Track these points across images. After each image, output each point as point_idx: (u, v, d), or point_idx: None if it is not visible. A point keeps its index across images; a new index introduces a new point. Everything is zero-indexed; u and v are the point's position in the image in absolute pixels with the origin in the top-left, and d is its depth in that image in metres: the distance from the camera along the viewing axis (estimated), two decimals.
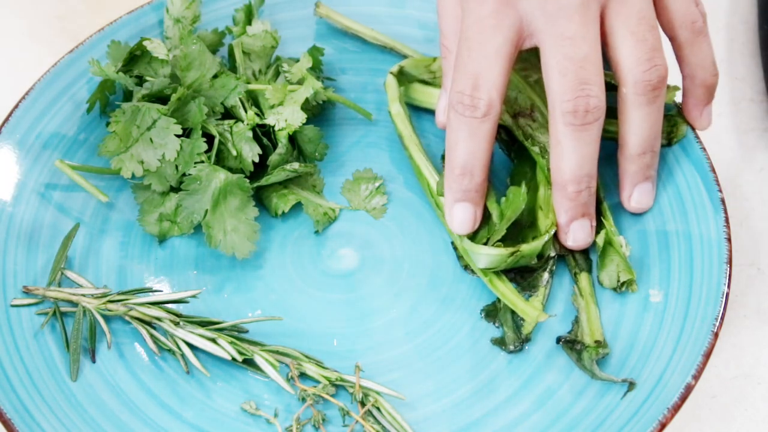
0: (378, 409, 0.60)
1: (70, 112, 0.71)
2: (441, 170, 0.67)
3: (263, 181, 0.68)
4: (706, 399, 0.64)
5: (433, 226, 0.69)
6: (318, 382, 0.61)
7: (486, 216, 0.65)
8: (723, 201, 0.64)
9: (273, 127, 0.68)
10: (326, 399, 0.60)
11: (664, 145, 0.67)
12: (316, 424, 0.60)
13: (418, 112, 0.74)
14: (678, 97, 0.68)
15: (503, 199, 0.64)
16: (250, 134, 0.67)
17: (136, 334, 0.64)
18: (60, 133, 0.71)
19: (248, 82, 0.69)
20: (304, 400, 0.60)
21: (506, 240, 0.64)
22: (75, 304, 0.63)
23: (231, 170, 0.66)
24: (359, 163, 0.72)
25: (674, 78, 0.73)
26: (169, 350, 0.62)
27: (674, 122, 0.67)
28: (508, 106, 0.65)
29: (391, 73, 0.70)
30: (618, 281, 0.64)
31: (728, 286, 0.60)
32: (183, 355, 0.61)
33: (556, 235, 0.64)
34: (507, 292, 0.63)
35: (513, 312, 0.64)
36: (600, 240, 0.64)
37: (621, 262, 0.64)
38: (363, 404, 0.60)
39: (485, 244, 0.63)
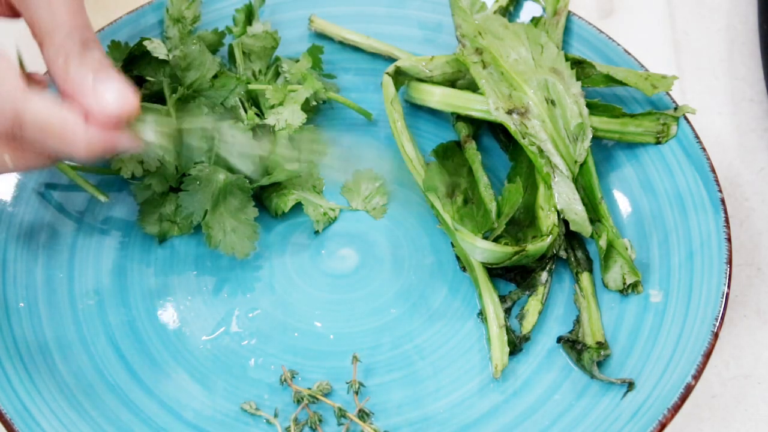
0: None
1: None
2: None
3: (263, 181, 0.68)
4: (706, 399, 0.64)
5: (433, 226, 0.69)
6: (312, 383, 0.61)
7: (481, 209, 0.65)
8: (723, 201, 0.64)
9: (273, 127, 0.68)
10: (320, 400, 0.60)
11: (652, 144, 0.67)
12: (313, 426, 0.60)
13: (415, 110, 0.74)
14: (676, 94, 0.68)
15: (500, 196, 0.64)
16: (250, 134, 0.67)
17: (136, 333, 0.64)
18: None
19: (248, 82, 0.69)
20: (299, 401, 0.60)
21: (504, 237, 0.64)
22: None
23: (231, 170, 0.66)
24: (359, 163, 0.72)
25: (671, 70, 0.74)
26: None
27: (664, 122, 0.67)
28: (502, 102, 0.65)
29: (387, 73, 0.70)
30: (624, 283, 0.64)
31: (728, 286, 0.60)
32: None
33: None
34: (491, 317, 0.63)
35: (510, 312, 0.64)
36: (602, 242, 0.64)
37: (625, 263, 0.64)
38: (357, 394, 0.60)
39: (484, 238, 0.63)
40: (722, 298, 0.60)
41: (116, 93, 0.54)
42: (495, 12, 0.73)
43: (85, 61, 0.54)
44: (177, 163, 0.65)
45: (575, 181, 0.66)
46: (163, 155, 0.65)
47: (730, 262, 0.61)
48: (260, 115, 0.69)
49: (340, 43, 0.76)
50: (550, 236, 0.63)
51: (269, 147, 0.64)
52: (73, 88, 0.54)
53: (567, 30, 0.73)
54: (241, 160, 0.57)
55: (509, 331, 0.63)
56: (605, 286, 0.65)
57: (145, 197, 0.68)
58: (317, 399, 0.60)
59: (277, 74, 0.73)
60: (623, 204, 0.68)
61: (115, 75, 0.55)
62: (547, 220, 0.64)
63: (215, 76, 0.68)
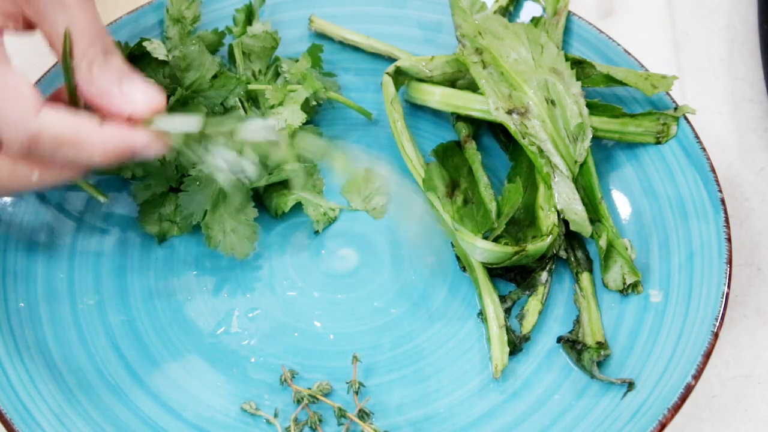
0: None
1: None
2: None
3: (263, 181, 0.68)
4: (706, 399, 0.64)
5: (433, 226, 0.69)
6: (312, 383, 0.61)
7: (481, 209, 0.65)
8: (723, 201, 0.64)
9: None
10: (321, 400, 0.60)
11: (652, 144, 0.67)
12: (313, 426, 0.60)
13: (415, 110, 0.74)
14: (676, 94, 0.68)
15: (500, 196, 0.64)
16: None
17: (136, 333, 0.64)
18: None
19: (248, 82, 0.69)
20: (299, 401, 0.60)
21: (504, 237, 0.64)
22: None
23: (231, 171, 0.66)
24: (359, 163, 0.72)
25: (671, 70, 0.74)
26: None
27: (664, 122, 0.67)
28: (502, 102, 0.65)
29: (387, 73, 0.70)
30: (624, 283, 0.64)
31: (728, 286, 0.60)
32: None
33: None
34: (491, 317, 0.63)
35: (510, 312, 0.64)
36: (602, 242, 0.64)
37: (625, 264, 0.64)
38: (357, 393, 0.60)
39: (484, 238, 0.63)
40: (722, 298, 0.60)
41: (144, 92, 0.56)
42: (495, 12, 0.73)
43: (109, 67, 0.55)
44: (183, 163, 0.65)
45: (575, 181, 0.66)
46: (173, 155, 0.64)
47: (730, 262, 0.61)
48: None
49: (340, 43, 0.76)
50: (550, 236, 0.63)
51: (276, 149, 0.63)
52: (100, 92, 0.55)
53: (567, 30, 0.73)
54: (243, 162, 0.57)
55: (509, 331, 0.63)
56: (605, 286, 0.65)
57: (145, 197, 0.68)
58: (317, 399, 0.60)
59: (277, 74, 0.73)
60: (623, 204, 0.68)
61: (139, 77, 0.56)
62: (547, 220, 0.64)
63: (215, 77, 0.68)
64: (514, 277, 0.65)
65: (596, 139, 0.67)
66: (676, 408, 0.56)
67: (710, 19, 0.84)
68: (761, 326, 0.67)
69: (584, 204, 0.65)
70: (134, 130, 0.55)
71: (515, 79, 0.66)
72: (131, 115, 0.55)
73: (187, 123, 0.56)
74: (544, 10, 0.74)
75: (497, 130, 0.72)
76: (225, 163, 0.57)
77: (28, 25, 0.58)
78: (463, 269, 0.66)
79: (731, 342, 0.66)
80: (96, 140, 0.54)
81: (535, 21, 0.74)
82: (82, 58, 0.55)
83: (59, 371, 0.61)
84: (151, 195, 0.68)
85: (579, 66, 0.69)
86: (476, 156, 0.68)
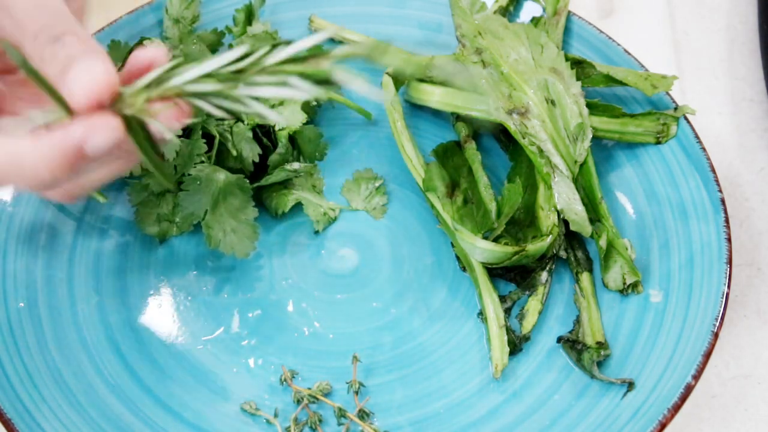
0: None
1: None
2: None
3: (263, 181, 0.68)
4: (706, 399, 0.64)
5: (433, 226, 0.69)
6: (312, 383, 0.61)
7: (481, 209, 0.65)
8: (723, 201, 0.64)
9: (273, 127, 0.68)
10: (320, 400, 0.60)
11: (652, 144, 0.67)
12: (313, 426, 0.60)
13: (415, 110, 0.74)
14: (676, 94, 0.68)
15: (500, 196, 0.65)
16: (250, 134, 0.67)
17: (136, 333, 0.64)
18: None
19: None
20: (299, 401, 0.60)
21: (504, 237, 0.64)
22: None
23: (231, 170, 0.66)
24: (359, 163, 0.72)
25: (671, 70, 0.74)
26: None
27: (664, 122, 0.67)
28: (502, 102, 0.65)
29: (387, 73, 0.70)
30: (624, 283, 0.64)
31: (728, 286, 0.60)
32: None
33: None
34: (491, 317, 0.63)
35: (510, 312, 0.64)
36: (602, 242, 0.64)
37: (625, 264, 0.64)
38: (357, 393, 0.60)
39: (484, 238, 0.63)
40: (722, 298, 0.60)
41: (84, 72, 0.45)
42: (495, 12, 0.73)
43: (56, 57, 0.47)
44: (175, 163, 0.65)
45: (575, 181, 0.66)
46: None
47: (730, 262, 0.61)
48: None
49: (340, 43, 0.76)
50: (550, 236, 0.63)
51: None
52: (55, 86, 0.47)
53: (567, 30, 0.73)
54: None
55: (509, 331, 0.63)
56: (605, 286, 0.65)
57: (140, 199, 0.68)
58: (317, 399, 0.60)
59: None
60: (623, 204, 0.68)
61: (91, 56, 0.47)
62: (547, 220, 0.64)
63: None
64: (514, 277, 0.66)
65: (596, 139, 0.67)
66: (676, 408, 0.56)
67: (710, 19, 0.84)
68: (761, 326, 0.67)
69: (584, 204, 0.65)
70: (67, 128, 0.45)
71: (515, 79, 0.66)
72: (83, 107, 0.45)
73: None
74: (544, 10, 0.74)
75: (497, 130, 0.72)
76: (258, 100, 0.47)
77: None
78: (463, 269, 0.66)
79: (731, 342, 0.66)
80: (33, 157, 0.45)
81: (535, 21, 0.74)
82: (32, 58, 0.47)
83: (59, 371, 0.61)
84: (146, 196, 0.68)
85: (579, 66, 0.69)
86: (476, 156, 0.68)
